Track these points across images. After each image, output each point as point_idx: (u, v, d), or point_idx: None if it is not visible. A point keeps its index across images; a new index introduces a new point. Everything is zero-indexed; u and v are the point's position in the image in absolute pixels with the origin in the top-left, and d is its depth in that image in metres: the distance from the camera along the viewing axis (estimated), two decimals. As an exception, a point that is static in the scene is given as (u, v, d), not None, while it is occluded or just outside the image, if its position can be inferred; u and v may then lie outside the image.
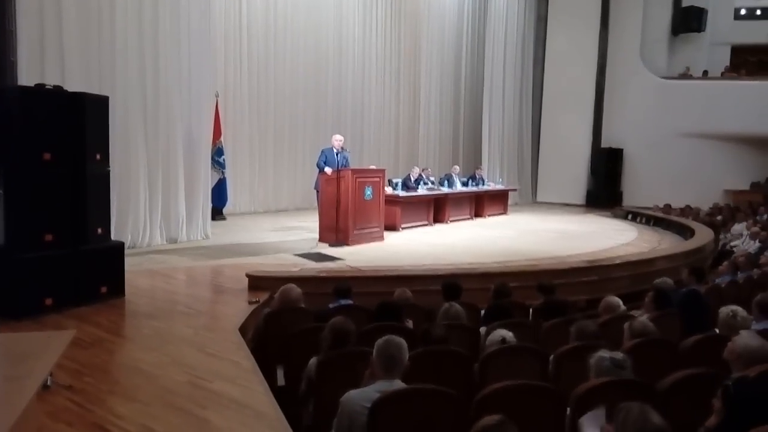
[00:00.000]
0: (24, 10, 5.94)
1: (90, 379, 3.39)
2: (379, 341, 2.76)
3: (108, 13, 7.21)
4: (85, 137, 4.83)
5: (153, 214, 7.78)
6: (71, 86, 5.40)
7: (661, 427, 1.93)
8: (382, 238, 8.90)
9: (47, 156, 4.60)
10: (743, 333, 3.14)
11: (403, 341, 2.76)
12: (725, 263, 7.02)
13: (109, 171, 5.19)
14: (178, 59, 8.02)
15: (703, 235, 10.24)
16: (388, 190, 9.88)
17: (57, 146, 4.66)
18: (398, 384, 2.66)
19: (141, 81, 7.61)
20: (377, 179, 8.81)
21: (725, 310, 3.91)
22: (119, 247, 5.25)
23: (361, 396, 2.60)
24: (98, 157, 4.98)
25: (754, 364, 2.86)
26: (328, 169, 8.28)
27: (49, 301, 4.58)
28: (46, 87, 4.75)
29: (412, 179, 11.35)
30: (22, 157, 4.51)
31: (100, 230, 5.03)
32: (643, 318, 3.95)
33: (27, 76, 5.80)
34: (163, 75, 7.84)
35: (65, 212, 4.75)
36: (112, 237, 5.57)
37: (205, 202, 8.63)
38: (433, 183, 11.96)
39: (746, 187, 16.28)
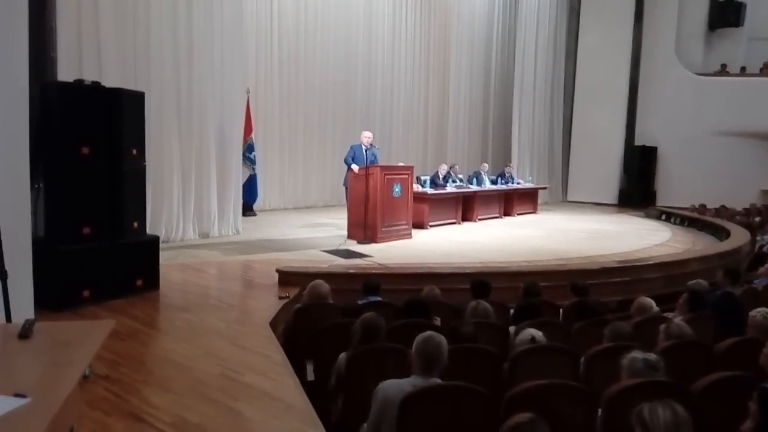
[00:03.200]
0: (63, 7, 6.09)
1: (126, 370, 3.48)
2: (419, 338, 2.77)
3: (143, 11, 7.35)
4: (122, 132, 4.95)
5: (186, 208, 7.92)
6: (108, 82, 5.54)
7: (686, 418, 1.91)
8: (410, 235, 8.90)
9: (85, 151, 4.72)
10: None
11: (443, 339, 2.77)
12: (766, 265, 6.84)
13: (145, 166, 5.31)
14: (211, 56, 8.14)
15: (738, 237, 9.99)
16: (417, 187, 9.87)
17: (95, 141, 4.79)
18: (435, 381, 2.67)
19: (175, 77, 7.74)
20: (406, 176, 8.81)
21: (759, 312, 3.82)
22: (155, 241, 5.37)
23: (396, 387, 2.63)
24: (134, 152, 5.10)
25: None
26: (354, 167, 8.32)
27: (86, 293, 4.71)
28: (85, 83, 4.87)
29: (441, 176, 11.32)
30: (61, 152, 4.65)
31: (136, 224, 5.16)
32: (678, 320, 3.87)
33: (66, 71, 5.94)
34: (197, 72, 7.97)
35: (103, 206, 4.88)
36: (147, 231, 5.69)
37: (236, 198, 8.75)
38: (461, 180, 11.91)
39: (784, 187, 15.84)
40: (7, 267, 3.22)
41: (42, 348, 1.86)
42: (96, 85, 4.92)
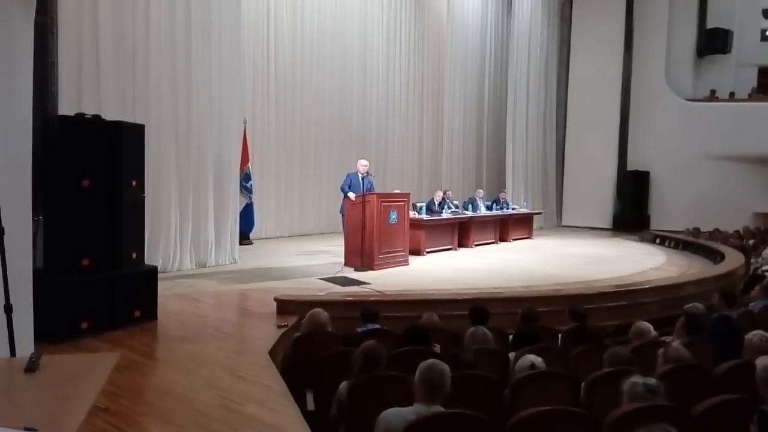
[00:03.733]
0: (64, 42, 6.19)
1: (126, 402, 3.47)
2: (422, 365, 2.79)
3: (143, 45, 7.47)
4: (122, 165, 5.00)
5: (183, 238, 7.93)
6: (107, 115, 5.59)
7: None
8: (407, 262, 8.93)
9: (86, 183, 4.77)
10: (764, 357, 3.11)
11: (446, 367, 2.79)
12: (757, 287, 6.89)
13: (144, 197, 5.35)
14: (209, 88, 8.24)
15: (733, 259, 10.06)
16: (413, 214, 9.93)
17: (95, 173, 4.83)
18: (437, 409, 2.68)
19: (173, 109, 7.82)
20: (402, 203, 8.88)
21: (755, 335, 3.85)
22: (153, 272, 5.38)
23: (399, 415, 2.64)
24: (134, 183, 5.14)
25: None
26: (351, 195, 8.39)
27: (85, 325, 4.71)
28: (86, 116, 4.94)
29: (436, 203, 11.40)
30: (62, 184, 4.69)
31: (134, 255, 5.18)
32: (676, 344, 3.90)
33: (66, 105, 6.01)
34: (195, 103, 8.06)
35: (102, 237, 4.90)
36: (145, 261, 5.70)
37: (233, 227, 8.77)
38: (456, 206, 11.99)
39: (777, 210, 15.99)
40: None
41: (49, 381, 1.87)
42: (97, 119, 4.98)
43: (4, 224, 2.98)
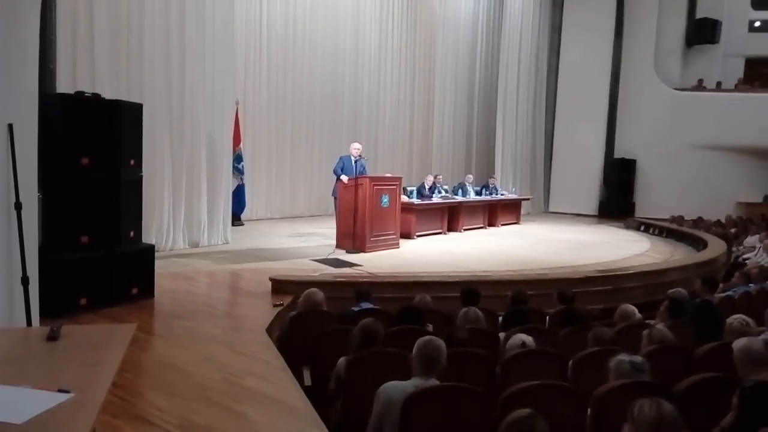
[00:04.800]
0: (62, 21, 6.17)
1: (129, 375, 3.56)
2: (420, 341, 2.92)
3: (137, 24, 7.45)
4: (121, 143, 5.04)
5: (176, 218, 7.98)
6: (101, 93, 5.61)
7: (674, 414, 2.06)
8: (397, 245, 9.05)
9: (85, 161, 4.81)
10: (744, 338, 3.27)
11: (442, 343, 2.92)
12: (737, 274, 7.11)
13: (141, 176, 5.39)
14: (203, 68, 8.24)
15: (715, 247, 10.31)
16: (403, 198, 10.03)
17: (94, 152, 4.87)
18: (433, 382, 2.81)
19: (167, 89, 7.83)
20: (394, 187, 8.98)
21: (735, 319, 4.02)
22: (150, 250, 5.46)
23: (398, 388, 2.76)
24: (132, 162, 5.19)
25: (758, 368, 2.99)
26: (344, 177, 8.47)
27: (83, 301, 4.78)
28: (85, 94, 4.96)
29: (427, 187, 11.50)
30: (60, 162, 4.72)
31: (132, 233, 5.24)
32: (660, 326, 4.07)
33: (64, 83, 6.01)
34: (189, 83, 8.07)
35: (100, 215, 4.96)
36: (141, 240, 5.76)
37: (226, 208, 8.83)
38: (446, 191, 12.11)
39: (759, 199, 16.32)
40: (14, 275, 3.31)
41: (72, 349, 1.97)
42: (96, 97, 5.01)
43: (11, 202, 3.06)
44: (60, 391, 1.61)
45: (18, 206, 2.89)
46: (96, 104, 4.95)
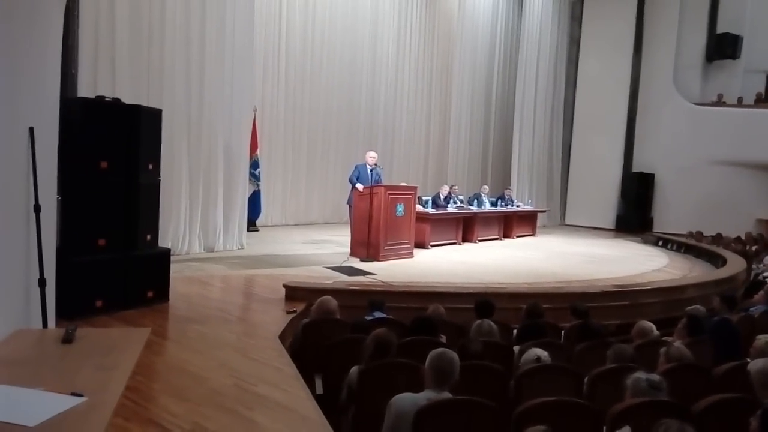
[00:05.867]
0: (84, 26, 6.27)
1: (142, 378, 3.57)
2: (433, 353, 2.89)
3: (158, 31, 7.56)
4: (140, 148, 5.08)
5: (192, 222, 8.05)
6: (122, 98, 5.67)
7: None
8: (411, 254, 9.02)
9: (104, 164, 4.86)
10: (761, 360, 3.20)
11: (455, 356, 2.89)
12: (761, 293, 6.98)
13: (159, 181, 5.43)
14: (222, 76, 8.32)
15: (735, 264, 10.14)
16: (418, 207, 10.01)
17: (113, 155, 4.92)
18: (446, 395, 2.78)
19: (186, 95, 7.91)
20: (409, 196, 8.96)
21: (762, 339, 3.94)
22: (166, 254, 5.49)
23: (410, 400, 2.74)
24: (150, 167, 5.23)
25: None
26: (359, 186, 8.48)
27: (99, 303, 4.81)
28: (106, 99, 5.02)
29: (442, 197, 11.48)
30: (80, 165, 4.76)
31: (149, 237, 5.27)
32: (678, 344, 4.00)
33: (85, 87, 6.09)
34: (208, 90, 8.15)
35: (118, 218, 4.99)
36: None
37: (241, 213, 8.88)
38: (461, 202, 12.07)
39: (780, 217, 16.06)
40: (31, 276, 3.33)
41: (87, 353, 1.97)
42: (116, 102, 5.06)
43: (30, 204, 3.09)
44: (73, 394, 1.61)
45: (37, 209, 2.92)
46: (116, 109, 5.01)
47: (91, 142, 4.81)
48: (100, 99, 5.01)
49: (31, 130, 3.04)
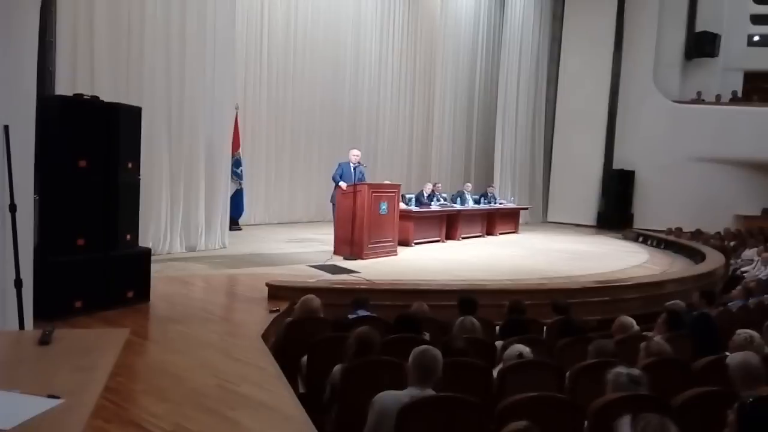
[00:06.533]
0: (62, 22, 6.16)
1: (122, 379, 3.52)
2: (416, 350, 2.89)
3: (137, 28, 7.45)
4: (119, 146, 5.02)
5: (174, 222, 7.96)
6: (101, 96, 5.60)
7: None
8: (395, 252, 9.02)
9: (82, 163, 4.79)
10: (740, 354, 3.25)
11: (438, 353, 2.89)
12: (738, 288, 7.09)
13: (139, 179, 5.37)
14: (203, 73, 8.24)
15: (714, 260, 10.30)
16: (402, 205, 10.02)
17: (92, 154, 4.86)
18: (429, 392, 2.78)
19: (167, 93, 7.82)
20: (393, 194, 8.96)
21: (741, 334, 3.99)
22: (147, 253, 5.43)
23: (393, 398, 2.73)
24: (130, 165, 5.17)
25: (755, 383, 2.97)
26: (342, 184, 8.46)
27: (78, 304, 4.75)
28: (84, 97, 4.95)
29: (425, 195, 11.49)
30: (58, 164, 4.70)
31: (129, 236, 5.21)
32: (658, 339, 4.05)
33: (62, 85, 6.00)
34: (188, 87, 8.06)
35: (97, 218, 4.93)
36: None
37: (223, 212, 8.81)
38: (445, 199, 12.10)
39: (758, 212, 16.33)
40: (7, 277, 3.28)
41: (64, 354, 1.94)
42: (95, 100, 5.00)
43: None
44: (50, 396, 1.58)
45: (12, 208, 2.87)
46: (94, 106, 4.94)
47: (70, 140, 4.74)
48: (78, 97, 4.94)
49: (6, 128, 2.99)
